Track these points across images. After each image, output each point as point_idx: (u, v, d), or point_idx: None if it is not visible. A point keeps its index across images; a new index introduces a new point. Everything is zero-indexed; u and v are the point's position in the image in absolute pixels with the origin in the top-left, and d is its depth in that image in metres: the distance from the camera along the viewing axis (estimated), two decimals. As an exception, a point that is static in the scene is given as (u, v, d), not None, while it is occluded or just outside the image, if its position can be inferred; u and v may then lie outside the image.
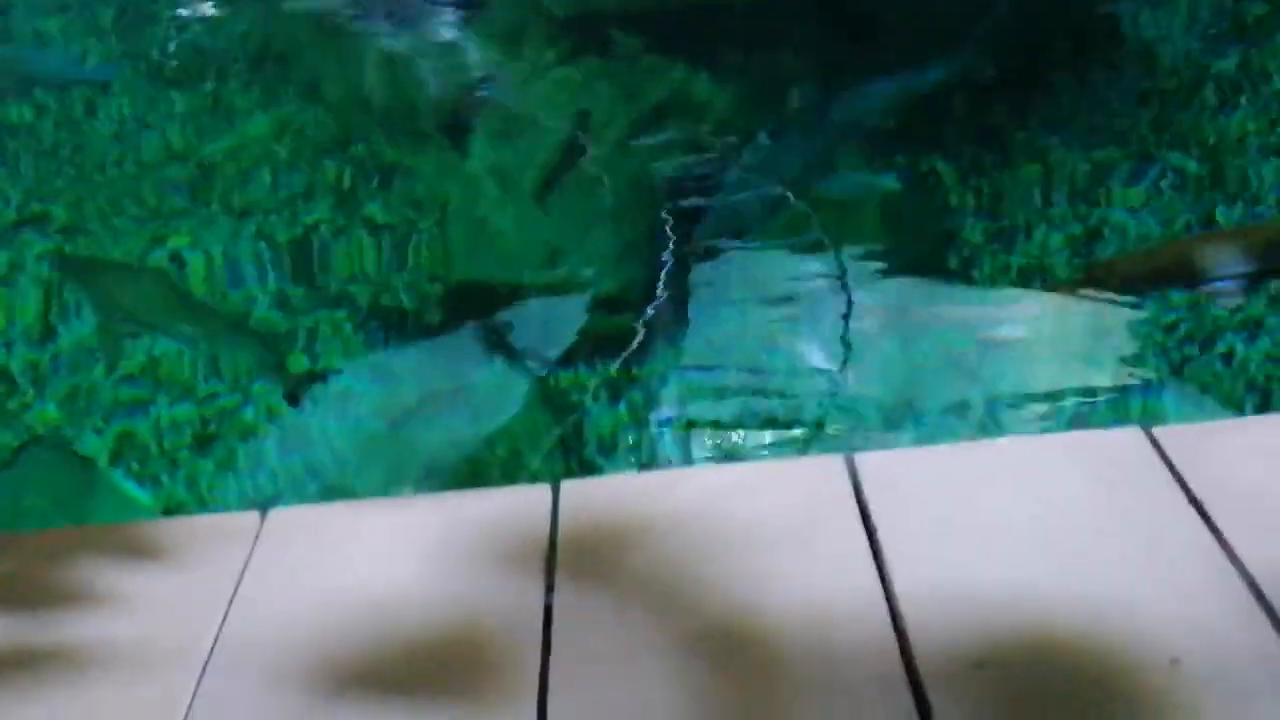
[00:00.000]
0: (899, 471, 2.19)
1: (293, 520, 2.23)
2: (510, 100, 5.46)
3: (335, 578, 2.07)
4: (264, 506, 2.27)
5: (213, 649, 1.96)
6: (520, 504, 2.18)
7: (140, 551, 2.16)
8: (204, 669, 1.92)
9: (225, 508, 3.82)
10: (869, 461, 2.19)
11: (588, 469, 3.89)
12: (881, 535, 2.03)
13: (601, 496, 2.21)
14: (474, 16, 6.12)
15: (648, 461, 3.90)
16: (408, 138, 5.29)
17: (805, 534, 2.05)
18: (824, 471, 2.18)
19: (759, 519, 2.08)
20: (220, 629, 1.99)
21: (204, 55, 6.00)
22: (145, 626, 2.02)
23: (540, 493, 2.18)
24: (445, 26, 6.11)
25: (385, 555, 2.10)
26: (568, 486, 2.19)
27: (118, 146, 5.38)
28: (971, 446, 2.77)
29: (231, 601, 2.04)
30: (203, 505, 3.85)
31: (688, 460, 3.88)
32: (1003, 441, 2.94)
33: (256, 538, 2.17)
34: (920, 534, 2.04)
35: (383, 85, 5.66)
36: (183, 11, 6.41)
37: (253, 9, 6.42)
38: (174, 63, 5.97)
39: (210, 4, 6.48)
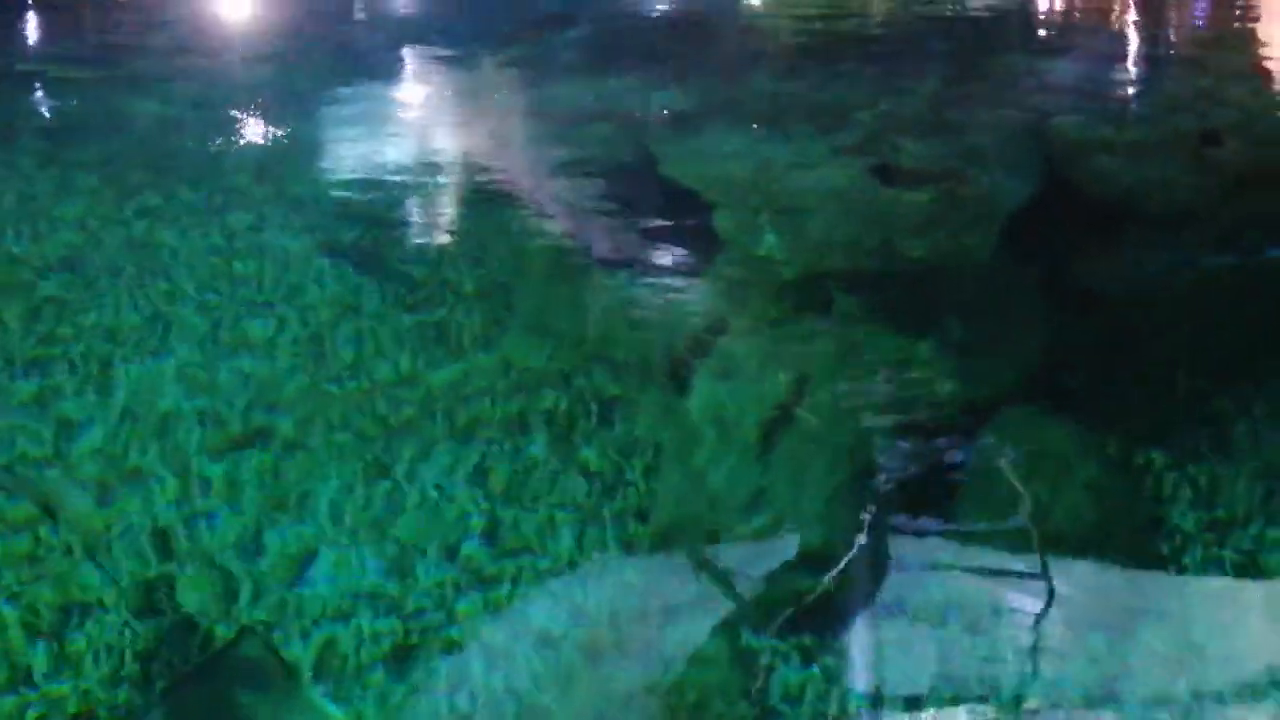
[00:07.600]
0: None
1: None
2: (732, 351, 5.62)
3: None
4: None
5: None
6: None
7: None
8: None
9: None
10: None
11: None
12: None
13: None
14: (703, 266, 6.38)
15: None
16: (630, 378, 5.46)
17: None
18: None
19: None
20: None
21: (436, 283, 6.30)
22: None
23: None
24: (673, 273, 6.35)
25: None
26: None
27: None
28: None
29: None
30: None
31: (875, 726, 3.82)
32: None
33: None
34: None
35: (608, 326, 5.89)
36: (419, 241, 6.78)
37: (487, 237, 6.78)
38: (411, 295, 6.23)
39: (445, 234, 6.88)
